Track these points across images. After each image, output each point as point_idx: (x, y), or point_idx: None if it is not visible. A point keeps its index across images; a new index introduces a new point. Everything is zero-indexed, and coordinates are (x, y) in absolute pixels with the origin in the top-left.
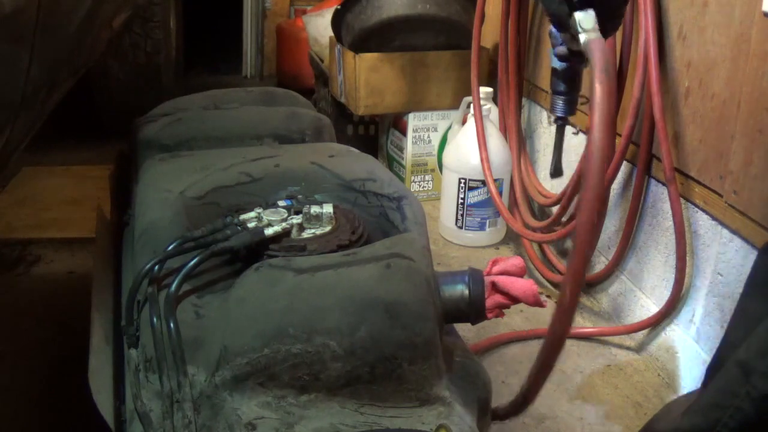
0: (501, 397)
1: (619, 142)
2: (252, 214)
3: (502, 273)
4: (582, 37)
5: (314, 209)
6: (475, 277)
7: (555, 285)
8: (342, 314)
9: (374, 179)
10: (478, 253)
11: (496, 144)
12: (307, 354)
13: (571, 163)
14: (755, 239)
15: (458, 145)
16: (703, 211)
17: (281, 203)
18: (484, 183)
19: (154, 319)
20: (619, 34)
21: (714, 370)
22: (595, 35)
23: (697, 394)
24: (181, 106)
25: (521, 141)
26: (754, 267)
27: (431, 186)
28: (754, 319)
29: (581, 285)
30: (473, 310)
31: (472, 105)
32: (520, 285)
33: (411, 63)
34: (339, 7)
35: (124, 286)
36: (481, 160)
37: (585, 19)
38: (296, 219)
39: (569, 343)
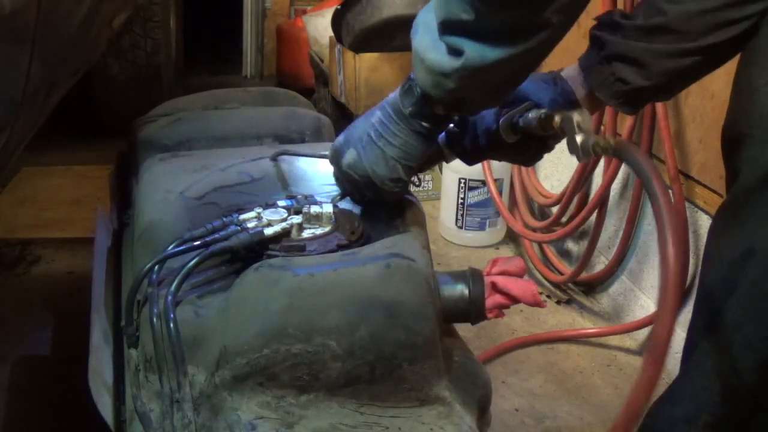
0: (501, 397)
1: None
2: (252, 214)
3: (502, 273)
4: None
5: (314, 209)
6: (475, 277)
7: (555, 285)
8: (342, 314)
9: None
10: (478, 253)
11: None
12: (306, 354)
13: (570, 163)
14: None
15: None
16: (704, 211)
17: (281, 203)
18: (484, 183)
19: (154, 319)
20: None
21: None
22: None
23: (680, 378)
24: (181, 106)
25: None
26: None
27: (431, 186)
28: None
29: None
30: (473, 310)
31: None
32: (520, 285)
33: (411, 63)
34: (339, 7)
35: (124, 286)
36: None
37: None
38: (296, 219)
39: (569, 344)
